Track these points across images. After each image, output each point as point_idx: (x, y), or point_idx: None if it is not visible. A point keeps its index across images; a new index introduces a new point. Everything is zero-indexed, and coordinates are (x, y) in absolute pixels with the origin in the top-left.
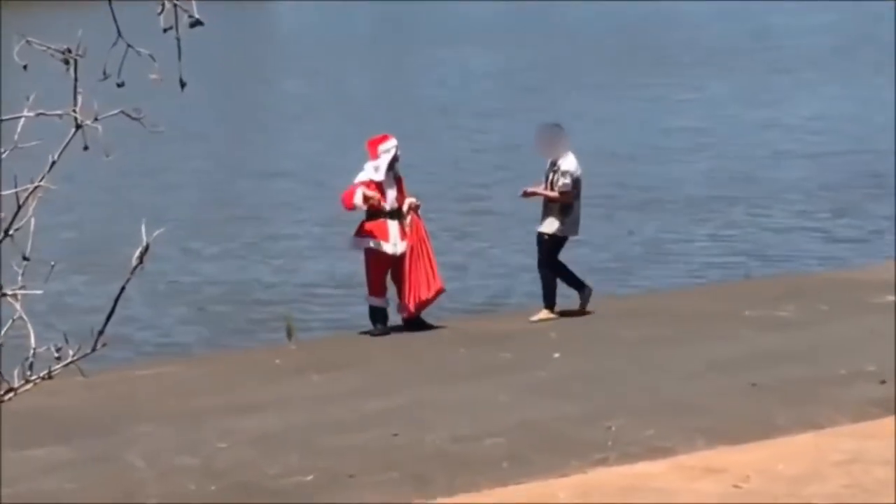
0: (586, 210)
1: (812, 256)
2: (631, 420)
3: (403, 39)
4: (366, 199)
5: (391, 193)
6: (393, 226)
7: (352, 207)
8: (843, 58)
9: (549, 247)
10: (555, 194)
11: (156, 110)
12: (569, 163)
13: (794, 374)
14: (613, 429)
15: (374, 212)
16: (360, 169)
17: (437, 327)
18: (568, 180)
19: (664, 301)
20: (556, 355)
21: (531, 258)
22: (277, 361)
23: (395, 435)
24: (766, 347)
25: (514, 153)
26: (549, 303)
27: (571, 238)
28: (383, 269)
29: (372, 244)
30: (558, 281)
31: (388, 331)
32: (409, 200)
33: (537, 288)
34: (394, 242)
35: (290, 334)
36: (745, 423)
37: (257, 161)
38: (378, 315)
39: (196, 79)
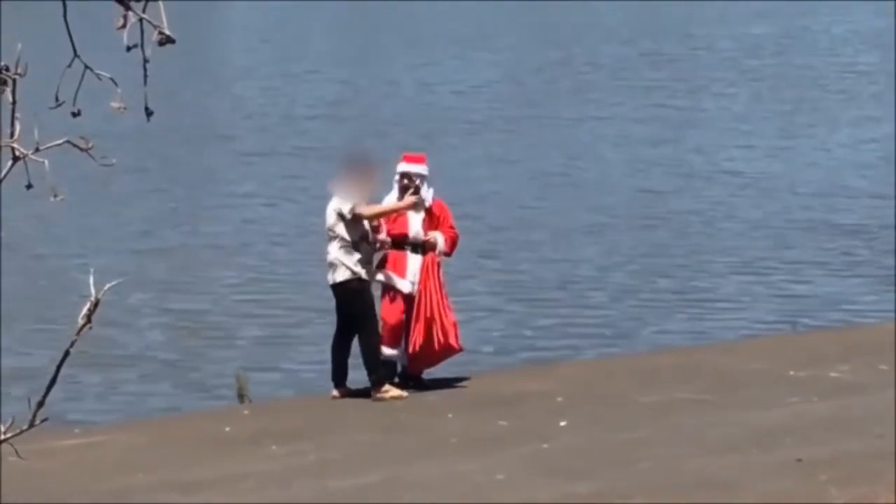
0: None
1: (869, 307)
2: (651, 502)
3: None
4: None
5: (414, 221)
6: (414, 260)
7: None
8: None
9: None
10: None
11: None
12: None
13: (849, 447)
14: None
15: (395, 240)
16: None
17: (427, 388)
18: None
19: (692, 359)
20: (563, 423)
21: (529, 306)
22: (227, 429)
23: None
24: (816, 415)
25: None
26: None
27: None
28: (398, 311)
29: (383, 278)
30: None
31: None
32: (429, 234)
33: (541, 341)
34: (412, 280)
35: (241, 395)
36: None
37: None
38: (386, 369)
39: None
